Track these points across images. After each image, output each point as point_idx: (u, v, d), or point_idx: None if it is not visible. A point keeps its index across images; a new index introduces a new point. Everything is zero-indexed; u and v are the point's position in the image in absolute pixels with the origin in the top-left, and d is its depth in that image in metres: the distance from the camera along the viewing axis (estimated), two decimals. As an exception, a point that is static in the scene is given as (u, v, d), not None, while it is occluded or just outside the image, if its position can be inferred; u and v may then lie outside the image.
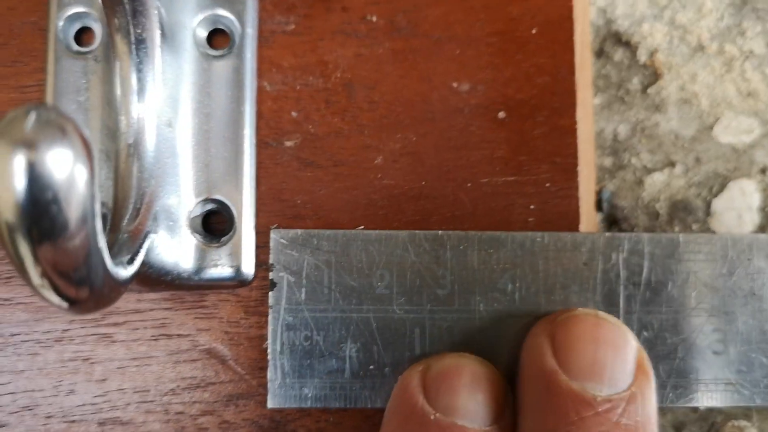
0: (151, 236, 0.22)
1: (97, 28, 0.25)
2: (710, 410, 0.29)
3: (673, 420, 0.29)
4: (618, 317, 0.25)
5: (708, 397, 0.26)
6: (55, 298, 0.15)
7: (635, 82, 0.31)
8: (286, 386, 0.24)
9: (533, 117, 0.26)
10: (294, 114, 0.26)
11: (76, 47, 0.25)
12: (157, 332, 0.25)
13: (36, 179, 0.14)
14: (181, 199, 0.24)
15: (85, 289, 0.16)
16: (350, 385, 0.25)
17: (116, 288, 0.19)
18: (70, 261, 0.15)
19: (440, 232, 0.25)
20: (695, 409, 0.29)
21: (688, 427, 0.29)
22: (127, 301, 0.25)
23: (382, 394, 0.25)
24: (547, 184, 0.26)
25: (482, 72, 0.26)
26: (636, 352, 0.24)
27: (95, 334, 0.24)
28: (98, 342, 0.24)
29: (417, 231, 0.25)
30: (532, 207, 0.26)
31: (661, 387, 0.25)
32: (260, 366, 0.25)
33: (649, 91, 0.31)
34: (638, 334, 0.25)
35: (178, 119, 0.24)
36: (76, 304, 0.16)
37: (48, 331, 0.24)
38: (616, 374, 0.23)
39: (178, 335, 0.25)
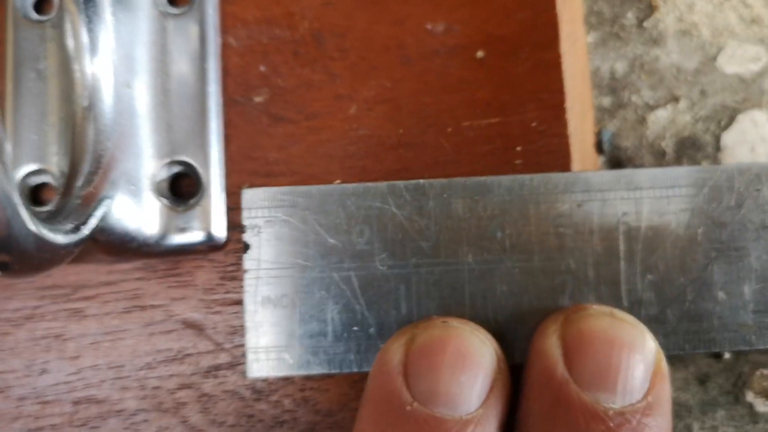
0: (107, 201, 0.22)
1: (54, -5, 0.25)
2: (736, 359, 0.28)
3: (696, 372, 0.28)
4: (618, 261, 0.24)
5: (723, 342, 0.24)
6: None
7: (630, 17, 0.30)
8: (266, 354, 0.24)
9: (515, 54, 0.25)
10: (262, 68, 0.25)
11: (35, 16, 0.25)
12: (130, 304, 0.24)
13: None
14: (143, 162, 0.23)
15: (5, 252, 0.16)
16: (333, 349, 0.24)
17: (55, 252, 0.18)
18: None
19: (421, 180, 0.24)
20: (719, 359, 0.28)
21: (713, 379, 0.28)
22: (97, 273, 0.24)
23: (369, 357, 0.24)
24: (534, 123, 0.25)
25: (457, 11, 0.26)
26: (654, 354, 0.22)
27: (66, 309, 0.24)
28: (70, 318, 0.24)
29: (397, 181, 0.24)
30: (518, 149, 0.25)
31: (673, 333, 0.24)
32: (239, 334, 0.24)
33: (645, 24, 0.30)
34: (642, 277, 0.24)
35: (136, 79, 0.23)
36: (2, 268, 0.16)
37: (18, 309, 0.24)
38: (631, 382, 0.22)
39: (152, 306, 0.24)
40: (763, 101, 0.29)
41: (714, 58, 0.29)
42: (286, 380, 0.24)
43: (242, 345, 0.24)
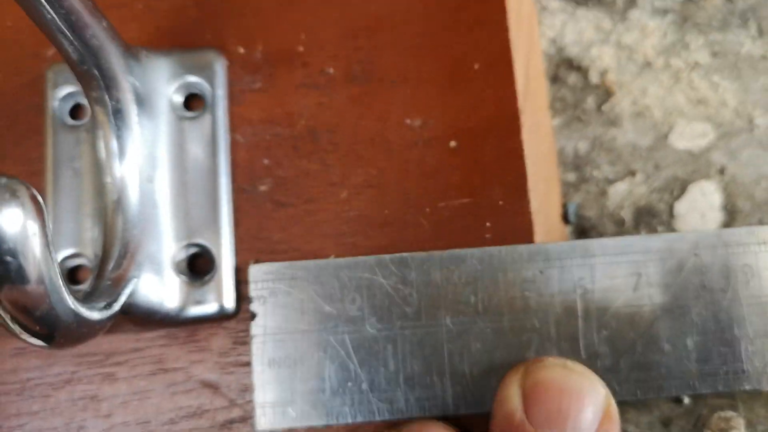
0: (134, 281, 0.26)
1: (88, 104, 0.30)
2: (695, 404, 0.31)
3: (660, 416, 0.32)
4: (576, 319, 0.28)
5: (671, 388, 0.28)
6: (24, 336, 0.20)
7: (590, 102, 0.34)
8: (272, 408, 0.28)
9: (482, 143, 0.30)
10: (266, 161, 0.30)
11: (71, 122, 0.30)
12: (155, 367, 0.28)
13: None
14: (164, 245, 0.28)
15: (49, 328, 0.20)
16: (331, 403, 0.28)
17: (91, 327, 0.22)
18: (31, 303, 0.19)
19: (404, 254, 0.29)
20: (681, 404, 0.31)
21: (675, 422, 0.31)
22: (126, 341, 0.28)
23: (362, 409, 0.28)
24: (500, 203, 0.29)
25: (432, 108, 0.30)
26: (603, 399, 0.26)
27: (100, 373, 0.28)
28: (103, 380, 0.28)
29: (383, 255, 0.29)
30: (488, 224, 0.29)
31: (626, 381, 0.28)
32: (250, 391, 0.28)
33: (603, 108, 0.34)
34: (597, 333, 0.28)
35: (157, 175, 0.28)
36: (48, 341, 0.20)
37: (58, 374, 0.28)
38: (579, 423, 0.25)
39: (174, 368, 0.28)
40: (711, 172, 0.33)
41: (666, 136, 0.34)
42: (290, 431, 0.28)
43: (252, 401, 0.28)
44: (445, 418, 0.28)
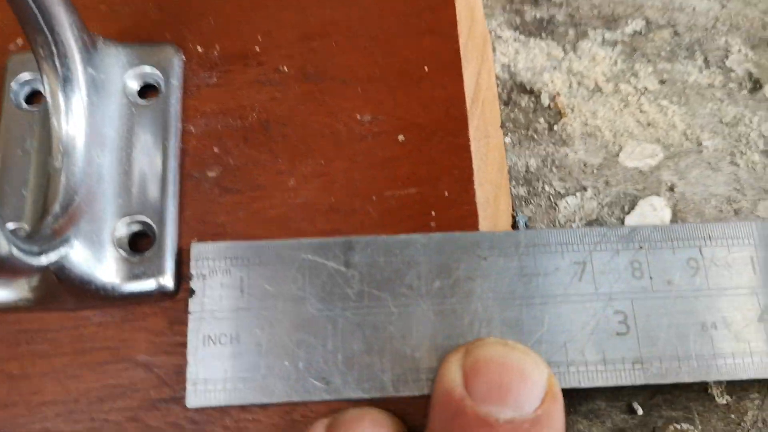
0: (73, 242, 0.26)
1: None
2: (649, 414, 0.31)
3: (612, 426, 0.31)
4: (519, 305, 0.28)
5: (616, 377, 0.28)
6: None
7: (542, 122, 0.36)
8: (204, 386, 0.27)
9: (430, 138, 0.31)
10: (216, 149, 0.31)
11: (25, 106, 0.31)
12: (88, 345, 0.28)
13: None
14: (106, 217, 0.28)
15: None
16: (266, 381, 0.27)
17: (17, 265, 0.23)
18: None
19: (349, 237, 0.29)
20: (633, 414, 0.31)
21: (628, 435, 0.31)
22: (61, 319, 0.28)
23: (298, 388, 0.27)
24: (446, 194, 0.30)
25: (382, 105, 0.31)
26: (546, 378, 0.26)
27: (30, 350, 0.28)
28: (33, 357, 0.28)
29: (327, 237, 0.29)
30: (433, 213, 0.30)
31: (570, 366, 0.28)
32: (183, 371, 0.28)
33: (555, 128, 0.35)
34: (541, 321, 0.28)
35: (105, 151, 0.29)
36: None
37: (-14, 350, 0.28)
38: (522, 398, 0.25)
39: (107, 347, 0.28)
40: (661, 190, 0.34)
41: (616, 155, 0.35)
42: (222, 412, 0.27)
43: (185, 381, 0.27)
44: (383, 403, 0.27)
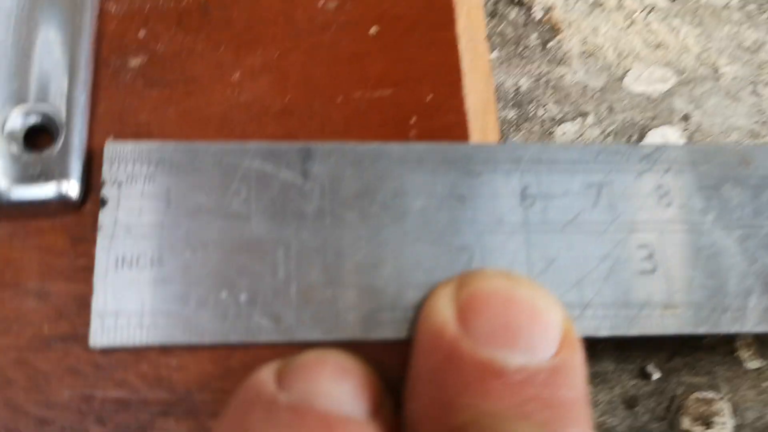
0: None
1: None
2: (666, 379, 0.26)
3: (622, 393, 0.26)
4: (520, 232, 0.23)
5: (642, 323, 0.23)
6: None
7: (533, 38, 0.30)
8: (115, 319, 0.21)
9: (409, 32, 0.25)
10: (141, 34, 0.24)
11: None
12: (-40, 265, 0.22)
13: None
14: (-6, 100, 0.22)
15: None
16: (196, 316, 0.21)
17: None
18: None
19: (308, 143, 0.23)
20: (648, 380, 0.26)
21: (642, 402, 0.25)
22: (-74, 232, 0.22)
23: (238, 326, 0.21)
24: (429, 97, 0.24)
25: (352, -9, 0.26)
26: (561, 319, 0.20)
27: None
28: None
29: (281, 142, 0.23)
30: (412, 121, 0.24)
31: (586, 309, 0.22)
32: (87, 302, 0.21)
33: (549, 45, 0.30)
34: (548, 253, 0.23)
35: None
36: None
37: None
38: (535, 341, 0.19)
39: (-13, 269, 0.22)
40: (673, 119, 0.29)
41: (621, 78, 0.30)
42: (137, 355, 0.21)
43: (89, 314, 0.21)
44: (348, 348, 0.21)
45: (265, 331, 0.21)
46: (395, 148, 0.23)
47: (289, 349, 0.21)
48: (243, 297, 0.21)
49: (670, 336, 0.23)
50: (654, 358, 0.26)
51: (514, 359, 0.19)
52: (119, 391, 0.21)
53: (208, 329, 0.21)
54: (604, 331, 0.22)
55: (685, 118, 0.29)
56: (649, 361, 0.26)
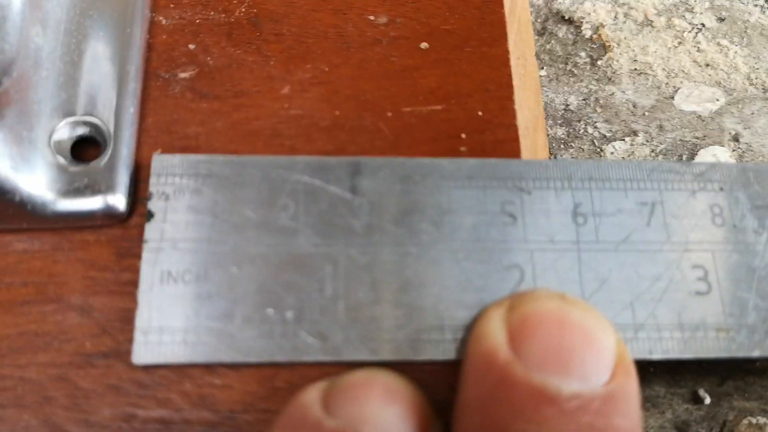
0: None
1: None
2: (718, 404, 0.24)
3: (673, 418, 0.24)
4: (572, 251, 0.22)
5: (697, 346, 0.21)
6: None
7: (583, 56, 0.30)
8: (159, 335, 0.20)
9: (460, 47, 0.24)
10: (191, 47, 0.24)
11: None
12: (5, 280, 0.21)
13: None
14: (42, 114, 0.21)
15: None
16: (242, 334, 0.20)
17: None
18: None
19: (358, 157, 0.22)
20: (699, 404, 0.24)
21: (694, 427, 0.24)
22: (-28, 243, 0.21)
23: (285, 345, 0.20)
24: (480, 113, 0.24)
25: (402, 6, 0.25)
26: (614, 344, 0.20)
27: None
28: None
29: (330, 156, 0.22)
30: (463, 136, 0.23)
31: (638, 331, 0.21)
32: (130, 318, 0.21)
33: (598, 64, 0.29)
34: (600, 273, 0.22)
35: (49, 32, 0.22)
36: None
37: None
38: (589, 367, 0.19)
39: (32, 282, 0.21)
40: (723, 138, 0.28)
41: (671, 97, 0.29)
42: (181, 373, 0.20)
43: (132, 330, 0.20)
44: (395, 368, 0.20)
45: (312, 350, 0.20)
46: (445, 163, 0.22)
47: (335, 369, 0.20)
48: (289, 314, 0.20)
49: (720, 359, 0.22)
50: (705, 382, 0.25)
51: (569, 385, 0.18)
52: (161, 411, 0.20)
53: (253, 347, 0.20)
54: (657, 354, 0.21)
55: (736, 138, 0.28)
56: (701, 385, 0.25)
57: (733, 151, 0.28)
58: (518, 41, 0.26)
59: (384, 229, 0.22)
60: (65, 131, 0.22)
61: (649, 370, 0.25)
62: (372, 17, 0.25)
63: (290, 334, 0.20)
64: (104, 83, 0.22)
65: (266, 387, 0.20)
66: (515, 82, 0.24)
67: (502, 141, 0.23)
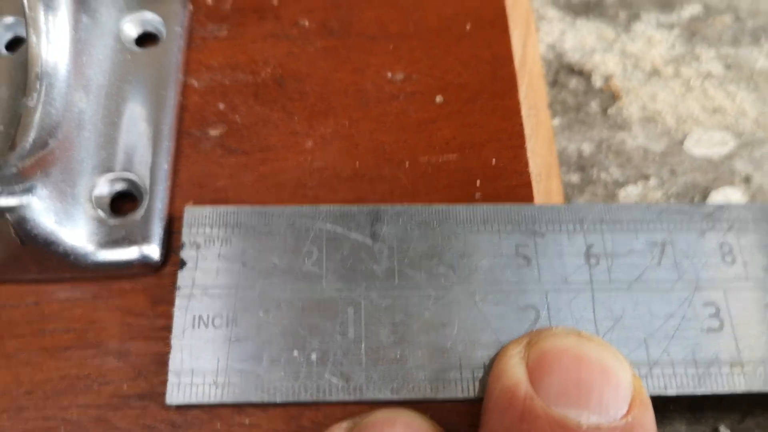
0: (40, 191, 0.20)
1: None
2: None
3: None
4: (586, 291, 0.21)
5: (711, 382, 0.21)
6: None
7: (593, 105, 0.29)
8: (191, 377, 0.20)
9: (473, 100, 0.25)
10: (221, 106, 0.24)
11: (5, 53, 0.25)
12: (48, 326, 0.21)
13: None
14: (84, 172, 0.22)
15: None
16: (269, 375, 0.20)
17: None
18: None
19: (378, 205, 0.22)
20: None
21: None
22: (20, 293, 0.21)
23: (310, 385, 0.20)
24: (493, 161, 0.24)
25: (417, 63, 0.25)
26: (630, 378, 0.19)
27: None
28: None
29: (351, 205, 0.22)
30: (478, 183, 0.23)
31: (653, 368, 0.21)
32: (164, 362, 0.21)
33: (609, 112, 0.29)
34: (614, 312, 0.21)
35: (90, 97, 0.22)
36: None
37: None
38: (606, 400, 0.18)
39: (73, 328, 0.21)
40: (735, 180, 0.28)
41: (681, 142, 0.29)
42: (212, 413, 0.20)
43: (166, 373, 0.20)
44: (416, 407, 0.20)
45: (336, 390, 0.20)
46: (461, 209, 0.22)
47: (358, 408, 0.20)
48: (314, 356, 0.20)
49: (741, 395, 0.21)
50: (726, 419, 0.24)
51: (588, 418, 0.17)
52: (193, 449, 0.20)
53: (280, 388, 0.20)
54: (671, 390, 0.20)
55: (746, 179, 0.27)
56: (722, 421, 0.24)
57: (745, 192, 0.27)
58: (530, 93, 0.26)
59: (403, 273, 0.21)
60: (105, 187, 0.22)
61: (669, 408, 0.24)
62: (389, 74, 0.25)
63: (315, 375, 0.20)
64: (141, 142, 0.23)
65: (292, 426, 0.20)
66: (527, 131, 0.24)
67: (515, 187, 0.23)
